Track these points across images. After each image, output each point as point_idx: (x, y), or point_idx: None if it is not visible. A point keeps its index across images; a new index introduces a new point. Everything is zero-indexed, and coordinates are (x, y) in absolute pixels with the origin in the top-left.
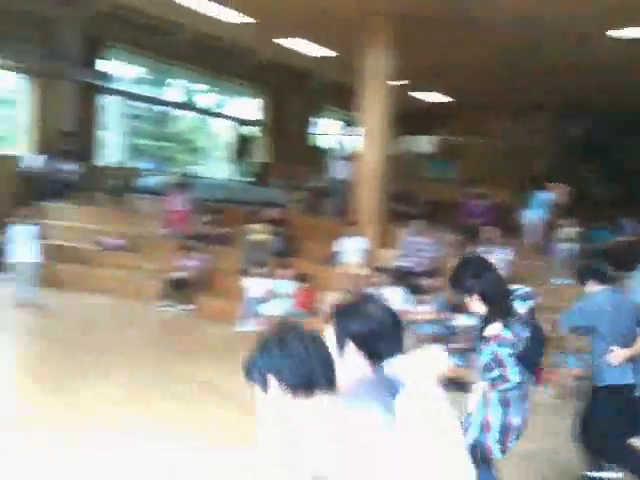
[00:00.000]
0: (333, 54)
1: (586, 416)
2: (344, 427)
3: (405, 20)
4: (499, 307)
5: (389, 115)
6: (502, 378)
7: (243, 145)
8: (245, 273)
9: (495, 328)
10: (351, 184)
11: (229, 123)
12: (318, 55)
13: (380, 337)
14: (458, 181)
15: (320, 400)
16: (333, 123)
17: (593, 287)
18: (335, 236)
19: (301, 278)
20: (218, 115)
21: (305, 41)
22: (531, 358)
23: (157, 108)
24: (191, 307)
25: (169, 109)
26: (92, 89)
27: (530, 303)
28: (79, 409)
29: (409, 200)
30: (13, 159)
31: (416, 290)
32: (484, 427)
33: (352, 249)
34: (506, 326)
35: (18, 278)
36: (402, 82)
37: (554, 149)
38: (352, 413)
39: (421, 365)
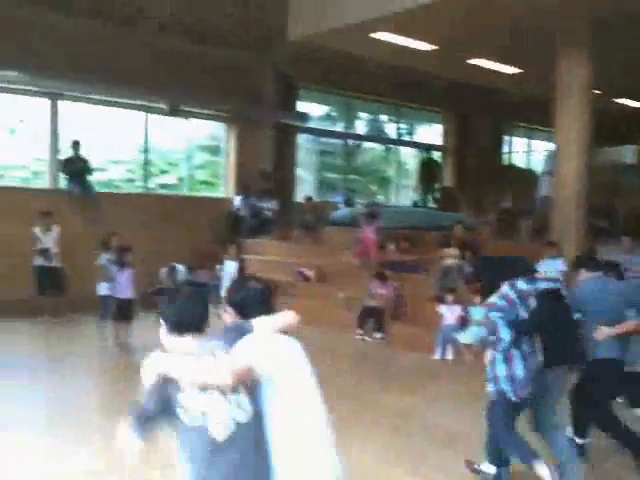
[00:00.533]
0: (520, 70)
1: (578, 386)
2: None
3: (604, 23)
4: (494, 284)
5: (588, 126)
6: (498, 340)
7: (429, 171)
8: (438, 299)
9: (491, 298)
10: (552, 201)
11: (415, 150)
12: (505, 72)
13: (247, 303)
14: None
15: (188, 338)
16: (525, 140)
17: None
18: (534, 258)
19: None
20: (404, 143)
21: (489, 61)
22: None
23: (346, 142)
24: (383, 335)
25: (357, 142)
26: (287, 130)
27: (543, 285)
28: None
29: (610, 215)
30: (218, 201)
31: None
32: (494, 380)
33: (552, 271)
34: (500, 297)
35: None
36: (599, 91)
37: None
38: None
39: (271, 321)
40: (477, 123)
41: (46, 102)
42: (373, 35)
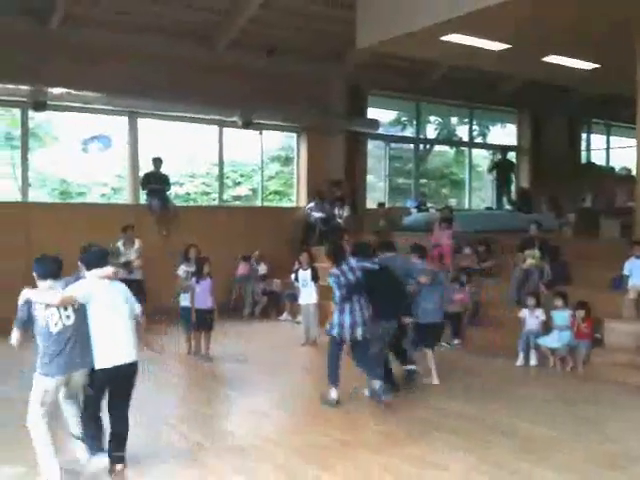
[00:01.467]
0: (597, 65)
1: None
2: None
3: None
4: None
5: None
6: (335, 296)
7: (503, 172)
8: (518, 304)
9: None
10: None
11: (487, 152)
12: (582, 68)
13: (89, 260)
14: None
15: (48, 281)
16: (604, 137)
17: None
18: (617, 258)
19: (579, 306)
20: (476, 145)
21: (565, 57)
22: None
23: (417, 146)
24: (461, 341)
25: (427, 146)
26: (357, 137)
27: (364, 265)
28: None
29: None
30: (290, 210)
31: None
32: (331, 325)
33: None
34: (337, 268)
35: (304, 319)
36: None
37: None
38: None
39: (97, 272)
40: (552, 121)
41: (125, 120)
42: (443, 38)
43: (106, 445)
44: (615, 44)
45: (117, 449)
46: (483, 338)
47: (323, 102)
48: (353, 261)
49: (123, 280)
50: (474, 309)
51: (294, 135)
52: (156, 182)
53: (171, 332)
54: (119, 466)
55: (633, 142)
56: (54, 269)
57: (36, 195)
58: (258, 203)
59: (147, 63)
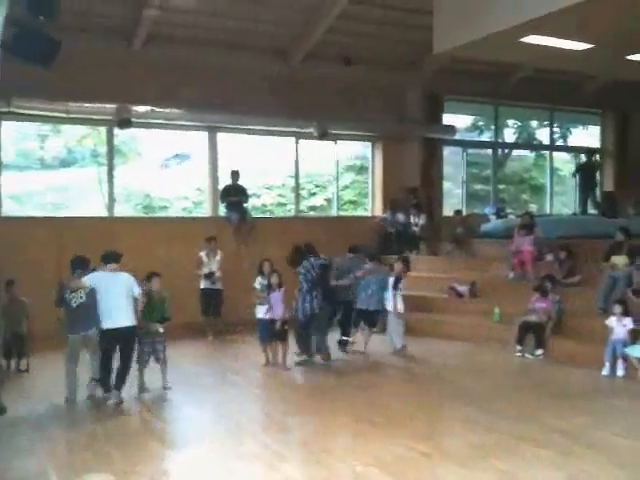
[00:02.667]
0: None
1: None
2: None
3: None
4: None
5: None
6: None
7: (587, 175)
8: (605, 312)
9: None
10: None
11: (569, 155)
12: None
13: (104, 257)
14: None
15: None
16: None
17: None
18: None
19: None
20: (557, 148)
21: None
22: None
23: (495, 151)
24: (544, 351)
25: (506, 150)
26: (433, 143)
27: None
28: (440, 458)
29: None
30: (366, 219)
31: None
32: (296, 308)
33: None
34: (304, 266)
35: (389, 328)
36: None
37: None
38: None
39: (107, 266)
40: (638, 122)
41: (205, 135)
42: (522, 40)
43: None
44: None
45: (117, 386)
46: (568, 348)
47: (399, 110)
48: (313, 260)
49: (207, 290)
50: (558, 318)
51: (369, 144)
52: (234, 194)
53: (249, 342)
54: (116, 395)
55: None
56: (81, 264)
57: (121, 210)
58: (333, 213)
59: (226, 78)
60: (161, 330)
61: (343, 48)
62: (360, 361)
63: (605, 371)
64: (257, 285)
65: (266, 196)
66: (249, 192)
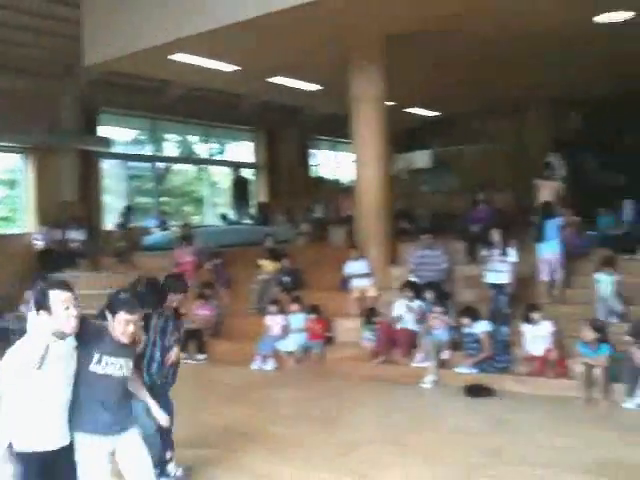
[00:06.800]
0: (319, 87)
1: None
2: None
3: (390, 39)
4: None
5: (383, 135)
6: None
7: (241, 188)
8: (261, 312)
9: None
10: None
11: (227, 169)
12: (306, 89)
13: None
14: (459, 190)
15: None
16: (330, 153)
17: None
18: (343, 262)
19: (312, 309)
20: (215, 163)
21: (291, 79)
22: None
23: (155, 165)
24: (205, 356)
25: (167, 164)
26: (91, 156)
27: None
28: None
29: (411, 216)
30: (17, 237)
31: (434, 300)
32: None
33: (358, 272)
34: None
35: None
36: (392, 103)
37: (552, 143)
38: None
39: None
40: (285, 139)
41: None
42: (172, 57)
43: None
44: (337, 68)
45: None
46: (226, 349)
47: (52, 120)
48: None
49: None
50: (217, 322)
51: (20, 156)
52: None
53: None
54: None
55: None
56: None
57: None
58: None
59: None
60: None
61: None
62: None
63: (255, 365)
64: None
65: None
66: None
